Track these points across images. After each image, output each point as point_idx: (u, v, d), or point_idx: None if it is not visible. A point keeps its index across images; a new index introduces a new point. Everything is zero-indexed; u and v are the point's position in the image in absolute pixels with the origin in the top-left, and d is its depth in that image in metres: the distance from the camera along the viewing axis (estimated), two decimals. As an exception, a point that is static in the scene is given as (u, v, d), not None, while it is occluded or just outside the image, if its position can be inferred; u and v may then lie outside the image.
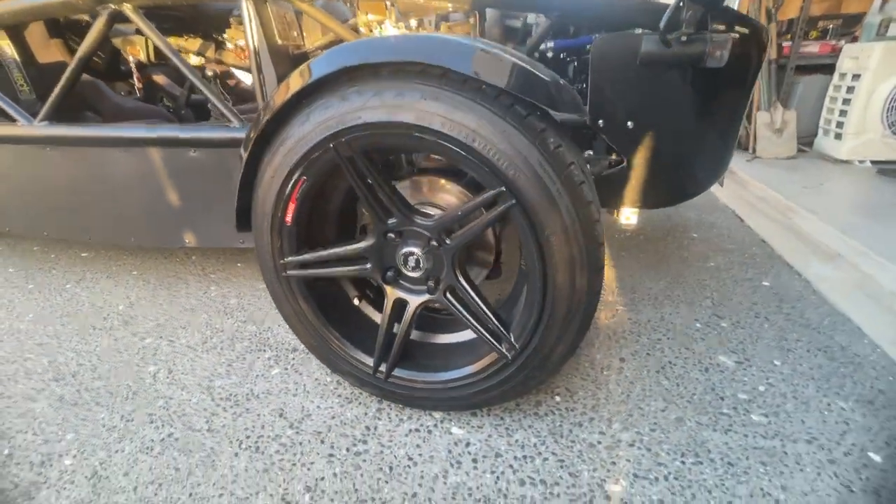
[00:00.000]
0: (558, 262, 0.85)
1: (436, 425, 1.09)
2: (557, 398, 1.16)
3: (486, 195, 0.85)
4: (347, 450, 1.03)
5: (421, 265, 0.99)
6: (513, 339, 0.95)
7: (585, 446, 1.02)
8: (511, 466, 0.98)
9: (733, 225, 2.24)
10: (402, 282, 1.06)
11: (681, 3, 1.06)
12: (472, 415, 1.12)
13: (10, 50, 1.94)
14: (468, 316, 0.99)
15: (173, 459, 1.03)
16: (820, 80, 3.26)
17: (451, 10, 1.19)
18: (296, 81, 0.89)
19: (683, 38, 1.11)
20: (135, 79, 1.99)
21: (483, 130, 0.79)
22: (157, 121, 2.03)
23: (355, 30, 1.38)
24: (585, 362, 1.28)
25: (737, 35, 1.15)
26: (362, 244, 1.02)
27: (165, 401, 1.21)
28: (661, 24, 1.05)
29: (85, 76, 2.24)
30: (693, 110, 1.27)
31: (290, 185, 0.95)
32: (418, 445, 1.04)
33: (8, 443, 1.09)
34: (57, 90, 1.43)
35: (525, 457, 1.00)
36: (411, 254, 0.99)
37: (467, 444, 1.03)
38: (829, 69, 3.20)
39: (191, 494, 0.94)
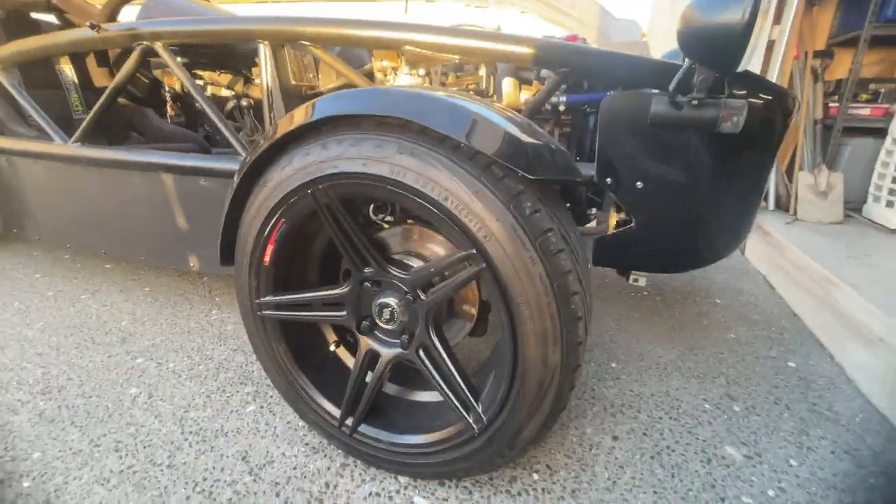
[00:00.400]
0: (528, 334, 0.78)
1: (398, 491, 1.01)
2: (535, 476, 1.06)
3: (456, 256, 0.81)
4: (300, 508, 0.97)
5: (395, 318, 0.95)
6: (480, 411, 0.88)
7: (556, 539, 0.91)
8: (469, 552, 0.88)
9: (763, 293, 2.08)
10: (376, 333, 1.02)
11: (693, 66, 1.01)
12: (440, 484, 1.03)
13: (70, 73, 2.11)
14: (438, 378, 0.92)
15: (125, 495, 0.99)
16: (870, 144, 3.07)
17: (457, 62, 1.20)
18: (284, 125, 0.90)
19: (695, 102, 1.05)
20: (168, 107, 2.11)
21: (456, 189, 0.76)
22: (190, 145, 2.13)
23: (370, 75, 1.40)
24: (574, 437, 1.18)
25: (756, 101, 1.08)
26: (337, 290, 0.99)
27: (136, 428, 1.19)
28: (671, 87, 1.00)
29: (132, 104, 2.41)
30: (709, 174, 1.19)
31: (269, 226, 0.95)
32: None
33: (-22, 456, 1.09)
34: (90, 115, 1.53)
35: (487, 543, 0.90)
36: (386, 305, 0.95)
37: (427, 519, 0.95)
38: (880, 133, 3.02)
39: (131, 538, 0.90)
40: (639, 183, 1.25)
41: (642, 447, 1.15)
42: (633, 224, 1.29)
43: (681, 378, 1.43)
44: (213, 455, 1.11)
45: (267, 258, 0.98)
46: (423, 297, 0.90)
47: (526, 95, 1.51)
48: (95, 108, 1.51)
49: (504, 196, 0.75)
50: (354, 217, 1.02)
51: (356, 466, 1.08)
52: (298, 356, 1.08)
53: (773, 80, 1.21)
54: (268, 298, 1.02)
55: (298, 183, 0.87)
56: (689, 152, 1.17)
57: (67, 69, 2.14)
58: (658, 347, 1.60)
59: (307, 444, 1.15)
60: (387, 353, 1.00)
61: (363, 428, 1.02)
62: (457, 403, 0.90)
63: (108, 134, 2.35)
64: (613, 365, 1.50)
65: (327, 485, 1.03)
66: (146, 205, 1.53)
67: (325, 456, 1.11)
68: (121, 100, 2.45)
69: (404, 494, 1.01)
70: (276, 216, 0.93)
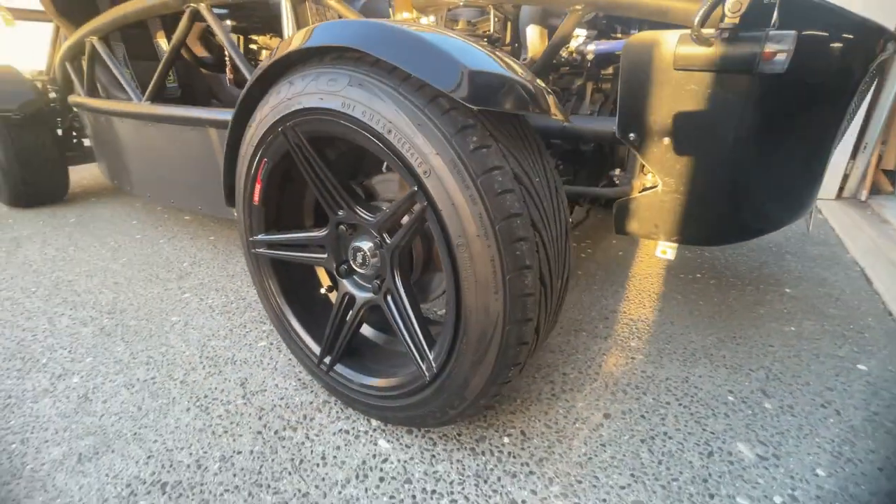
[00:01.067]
0: (469, 279, 0.74)
1: (366, 432, 1.04)
2: (506, 439, 1.01)
3: (404, 195, 0.78)
4: (275, 432, 1.04)
5: (367, 262, 0.96)
6: (431, 359, 0.86)
7: (505, 501, 0.87)
8: (414, 497, 0.88)
9: (853, 287, 1.74)
10: (354, 277, 1.04)
11: (723, -10, 0.85)
12: (409, 432, 1.04)
13: (164, 45, 2.38)
14: (399, 324, 0.92)
15: (142, 400, 1.14)
16: None
17: (461, 5, 1.13)
18: (263, 64, 0.93)
19: (725, 35, 0.89)
20: (227, 71, 2.30)
21: (399, 122, 0.72)
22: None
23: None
24: (561, 408, 1.10)
25: (818, 34, 0.88)
26: (317, 233, 1.02)
27: (167, 348, 1.36)
28: (696, 18, 0.85)
29: (211, 73, 2.66)
30: (753, 130, 1.02)
31: (255, 165, 1.00)
32: (338, 447, 1.00)
33: (49, 355, 1.33)
34: (154, 77, 1.72)
35: (434, 492, 0.89)
36: (359, 249, 0.96)
37: (385, 460, 0.96)
38: None
39: (135, 434, 1.04)
40: (665, 139, 1.10)
41: (635, 429, 1.04)
42: (658, 186, 1.15)
43: (708, 366, 1.26)
44: (219, 378, 1.22)
45: (256, 198, 1.04)
46: (388, 240, 0.89)
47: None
48: (158, 69, 1.69)
49: (448, 129, 0.70)
50: (348, 159, 1.03)
51: (336, 405, 1.12)
52: (288, 294, 1.14)
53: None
54: (259, 237, 1.08)
55: (272, 121, 0.90)
56: (725, 102, 1.00)
57: (162, 42, 2.42)
58: (693, 331, 1.43)
59: (299, 379, 1.22)
60: (361, 296, 1.01)
61: (339, 367, 1.06)
62: (413, 350, 0.89)
63: (192, 100, 2.63)
64: (633, 343, 1.36)
65: (305, 416, 1.09)
66: (200, 157, 1.70)
67: (312, 392, 1.17)
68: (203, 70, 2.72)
69: (370, 436, 1.03)
70: (259, 155, 0.97)
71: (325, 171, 0.90)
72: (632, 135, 1.13)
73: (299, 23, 1.34)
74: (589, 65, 1.36)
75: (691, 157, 1.09)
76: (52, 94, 2.83)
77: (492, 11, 1.13)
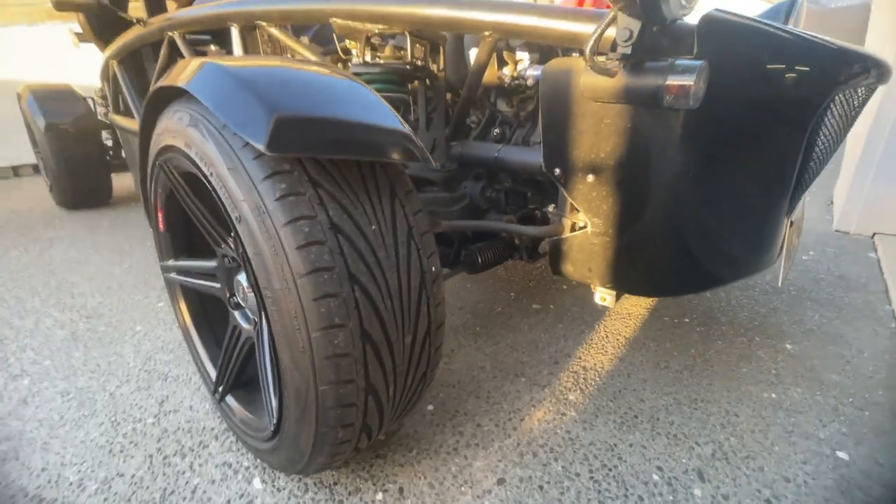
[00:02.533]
0: (278, 332, 0.69)
1: (247, 468, 1.02)
2: (380, 495, 0.95)
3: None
4: (164, 458, 1.05)
5: (247, 297, 0.94)
6: (274, 408, 0.82)
7: (344, 569, 0.80)
8: (255, 550, 0.84)
9: (876, 349, 1.46)
10: (242, 310, 1.02)
11: (614, 15, 0.74)
12: (286, 474, 1.00)
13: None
14: (261, 367, 0.89)
15: (68, 409, 1.21)
16: None
17: (377, 32, 1.08)
18: (148, 93, 0.94)
19: (614, 66, 0.78)
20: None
21: (218, 165, 0.70)
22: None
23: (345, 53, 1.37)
24: (455, 466, 1.01)
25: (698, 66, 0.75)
26: (208, 263, 1.02)
27: (116, 357, 1.43)
28: (587, 44, 0.75)
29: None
30: (683, 169, 0.89)
31: (154, 194, 1.02)
32: (213, 482, 0.98)
33: (19, 355, 1.45)
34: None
35: (277, 546, 0.85)
36: (240, 284, 0.94)
37: (249, 502, 0.93)
38: None
39: (44, 444, 1.09)
40: (589, 175, 0.99)
41: (523, 503, 0.93)
42: (587, 227, 1.04)
43: (647, 433, 1.10)
44: (144, 394, 1.27)
45: (161, 225, 1.06)
46: (255, 278, 0.87)
47: (509, 69, 1.31)
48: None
49: (256, 175, 0.66)
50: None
51: (232, 435, 1.12)
52: (196, 319, 1.15)
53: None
54: (168, 263, 1.11)
55: (154, 154, 0.91)
56: (645, 137, 0.88)
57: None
58: (648, 388, 1.26)
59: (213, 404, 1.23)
60: (246, 329, 1.00)
61: (229, 398, 1.05)
62: (265, 396, 0.85)
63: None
64: (571, 396, 1.23)
65: (200, 444, 1.09)
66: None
67: (218, 418, 1.17)
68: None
69: (249, 473, 1.01)
70: (154, 185, 0.99)
71: (199, 206, 0.90)
72: (557, 170, 1.03)
73: (248, 46, 1.37)
74: (531, 91, 1.25)
75: (618, 196, 0.97)
76: (101, 110, 3.16)
77: (408, 38, 1.07)
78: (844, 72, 0.83)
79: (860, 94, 0.96)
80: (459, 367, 1.37)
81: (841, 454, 1.04)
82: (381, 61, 1.12)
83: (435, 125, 1.31)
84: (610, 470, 1.00)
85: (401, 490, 0.96)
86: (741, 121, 0.85)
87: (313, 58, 1.30)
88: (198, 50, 1.82)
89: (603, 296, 1.13)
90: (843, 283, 1.91)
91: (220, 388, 1.06)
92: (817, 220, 2.75)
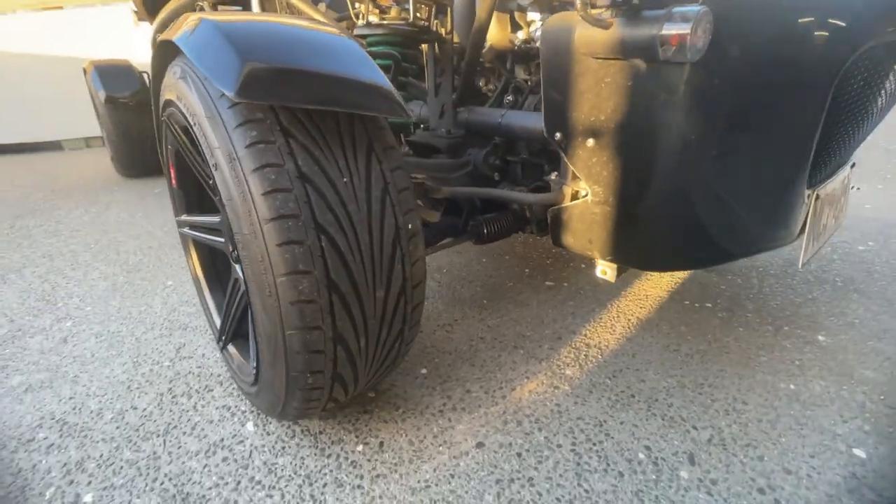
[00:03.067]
0: (249, 278, 0.72)
1: (243, 412, 1.08)
2: (361, 447, 0.98)
3: (217, 186, 0.79)
4: (173, 396, 1.14)
5: (244, 250, 0.98)
6: (255, 353, 0.86)
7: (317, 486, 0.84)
8: (238, 482, 0.90)
9: (925, 346, 1.30)
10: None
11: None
12: (276, 420, 1.06)
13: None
14: (249, 317, 0.93)
15: (100, 349, 1.34)
16: None
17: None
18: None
19: (607, 15, 0.74)
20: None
21: (199, 115, 0.73)
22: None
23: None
24: (438, 427, 1.03)
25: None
26: (213, 218, 1.07)
27: (146, 307, 1.56)
28: None
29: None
30: (687, 132, 0.84)
31: (165, 150, 1.08)
32: (211, 421, 1.06)
33: (66, 301, 1.61)
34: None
35: (259, 483, 0.90)
36: (239, 237, 0.99)
37: (240, 442, 1.00)
38: None
39: (75, 377, 1.22)
40: (590, 140, 0.95)
41: (499, 467, 0.92)
42: (588, 195, 1.00)
43: (642, 413, 1.06)
44: (166, 340, 1.37)
45: (174, 181, 1.13)
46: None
47: (523, 32, 1.26)
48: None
49: (230, 124, 0.68)
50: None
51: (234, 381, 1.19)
52: (207, 272, 1.22)
53: None
54: (182, 217, 1.18)
55: (160, 110, 0.96)
56: (646, 96, 0.83)
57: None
58: (652, 370, 1.21)
59: (224, 352, 1.31)
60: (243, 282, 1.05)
61: (231, 347, 1.11)
62: (251, 344, 0.90)
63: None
64: (568, 371, 1.20)
65: (206, 387, 1.17)
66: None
67: (224, 366, 1.25)
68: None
69: (243, 416, 1.07)
70: (164, 140, 1.05)
71: (198, 160, 0.94)
72: (557, 134, 0.99)
73: (266, 9, 1.40)
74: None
75: (619, 162, 0.92)
76: (155, 83, 3.36)
77: (411, 1, 1.05)
78: (874, 24, 0.73)
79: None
80: (460, 336, 1.37)
81: (858, 451, 0.95)
82: (386, 23, 1.11)
83: (443, 90, 1.29)
84: (594, 444, 0.98)
85: (381, 444, 0.98)
86: (752, 78, 0.77)
87: (329, 21, 1.31)
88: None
89: (604, 269, 1.08)
90: (903, 276, 1.72)
91: (223, 338, 1.12)
92: (888, 207, 2.47)
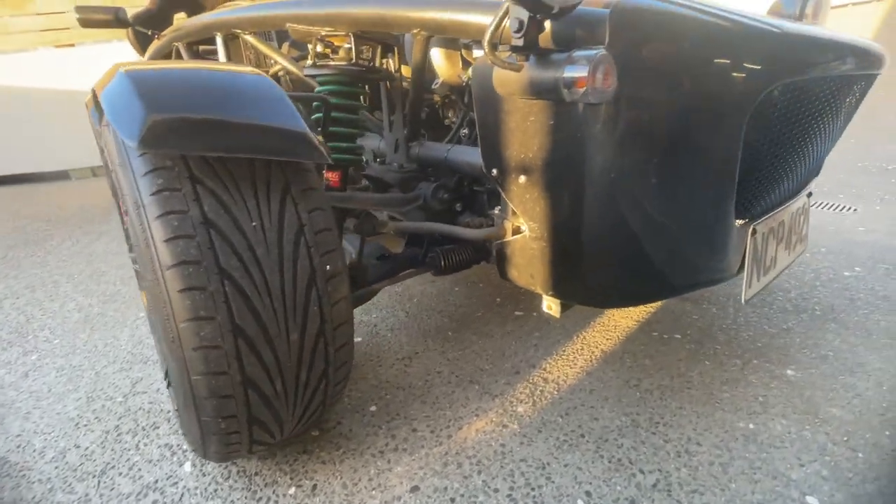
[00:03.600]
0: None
1: (184, 452, 1.07)
2: (293, 489, 0.96)
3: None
4: (119, 435, 1.13)
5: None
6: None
7: (233, 559, 0.82)
8: None
9: (899, 381, 1.25)
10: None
11: (507, 6, 0.71)
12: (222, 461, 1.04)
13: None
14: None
15: (58, 384, 1.34)
16: None
17: (324, 35, 1.09)
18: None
19: (507, 57, 0.74)
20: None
21: (114, 161, 0.74)
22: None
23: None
24: (375, 469, 1.00)
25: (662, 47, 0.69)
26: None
27: (112, 340, 1.57)
28: (486, 35, 0.73)
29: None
30: (614, 166, 0.83)
31: (113, 190, 1.10)
32: (150, 461, 1.05)
33: (37, 333, 1.63)
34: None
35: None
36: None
37: (173, 484, 0.98)
38: None
39: (27, 413, 1.22)
40: (521, 176, 0.95)
41: (431, 513, 0.89)
42: (526, 231, 1.00)
43: (589, 455, 1.02)
44: (123, 375, 1.37)
45: (123, 221, 1.15)
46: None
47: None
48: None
49: (138, 171, 0.70)
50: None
51: (183, 418, 1.18)
52: (159, 308, 1.23)
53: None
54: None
55: (101, 154, 0.99)
56: (571, 132, 0.83)
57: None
58: (608, 407, 1.17)
59: (178, 387, 1.30)
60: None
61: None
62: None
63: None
64: (519, 409, 1.17)
65: (153, 424, 1.16)
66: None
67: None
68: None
69: (183, 456, 1.06)
70: (109, 181, 1.08)
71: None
72: (494, 171, 0.99)
73: (230, 57, 1.45)
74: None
75: (548, 198, 0.92)
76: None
77: (352, 39, 1.08)
78: (786, 62, 0.72)
79: (849, 82, 0.84)
80: (417, 370, 1.35)
81: (811, 499, 0.90)
82: (333, 63, 1.14)
83: (395, 126, 1.30)
84: (533, 489, 0.94)
85: (314, 487, 0.96)
86: (666, 117, 0.77)
87: (286, 62, 1.35)
88: (206, 58, 1.96)
89: (549, 304, 1.07)
90: (886, 304, 1.66)
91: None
92: (883, 229, 2.41)
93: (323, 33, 1.10)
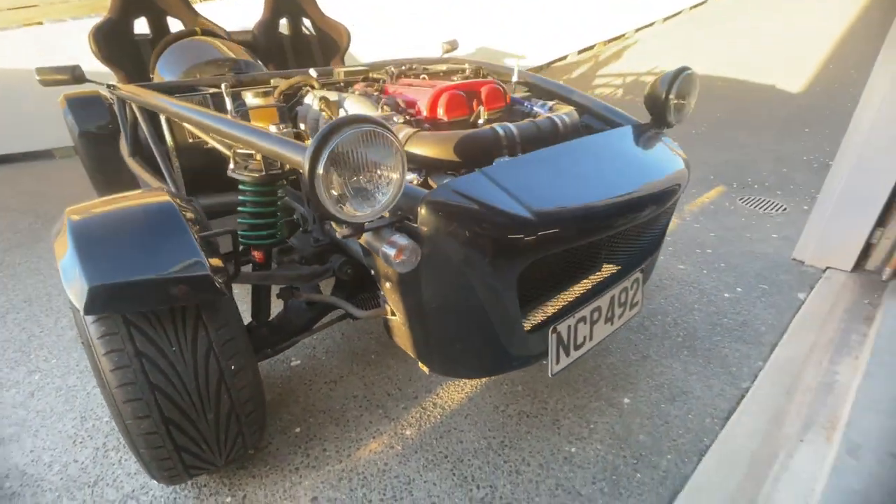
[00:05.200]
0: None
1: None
2: (229, 498, 1.35)
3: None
4: (105, 451, 1.52)
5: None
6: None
7: None
8: None
9: (710, 408, 1.62)
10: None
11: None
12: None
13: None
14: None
15: (59, 404, 1.72)
16: None
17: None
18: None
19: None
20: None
21: (75, 308, 1.05)
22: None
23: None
24: (289, 483, 1.39)
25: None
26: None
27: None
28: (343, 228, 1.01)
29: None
30: (436, 291, 1.16)
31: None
32: (129, 474, 1.44)
33: (37, 352, 1.99)
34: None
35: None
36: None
37: (137, 499, 1.38)
38: None
39: (36, 431, 1.60)
40: (386, 282, 1.25)
41: (322, 518, 1.29)
42: (396, 315, 1.31)
43: (447, 472, 1.41)
44: (109, 395, 1.74)
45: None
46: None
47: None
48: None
49: (88, 319, 1.01)
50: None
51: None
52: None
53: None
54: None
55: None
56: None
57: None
58: (473, 432, 1.55)
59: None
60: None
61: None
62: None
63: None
64: (407, 432, 1.55)
65: (131, 442, 1.55)
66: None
67: (149, 422, 1.62)
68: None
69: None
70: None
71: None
72: (372, 270, 1.29)
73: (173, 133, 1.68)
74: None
75: (403, 300, 1.22)
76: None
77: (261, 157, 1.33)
78: (540, 239, 1.01)
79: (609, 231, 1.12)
80: (338, 394, 1.73)
81: (586, 512, 1.30)
82: (247, 173, 1.38)
83: (311, 204, 1.57)
84: (396, 501, 1.34)
85: (244, 497, 1.36)
86: (460, 264, 1.06)
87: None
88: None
89: (421, 364, 1.41)
90: (740, 331, 2.00)
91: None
92: (793, 238, 2.64)
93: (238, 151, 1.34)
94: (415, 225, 1.03)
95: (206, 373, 1.09)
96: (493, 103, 1.57)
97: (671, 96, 1.59)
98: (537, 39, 7.72)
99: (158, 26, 3.00)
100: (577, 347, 1.34)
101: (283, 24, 3.37)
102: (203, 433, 1.12)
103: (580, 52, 8.37)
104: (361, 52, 5.74)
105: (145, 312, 1.03)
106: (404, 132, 1.31)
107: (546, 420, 1.59)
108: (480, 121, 1.49)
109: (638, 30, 9.05)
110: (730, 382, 1.73)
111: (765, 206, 3.28)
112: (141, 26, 2.91)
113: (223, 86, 1.43)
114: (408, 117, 1.45)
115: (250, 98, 1.54)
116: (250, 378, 1.17)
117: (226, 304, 1.14)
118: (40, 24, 4.60)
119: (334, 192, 0.89)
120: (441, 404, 1.66)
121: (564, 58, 8.29)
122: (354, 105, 1.54)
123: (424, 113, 1.48)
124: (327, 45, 3.63)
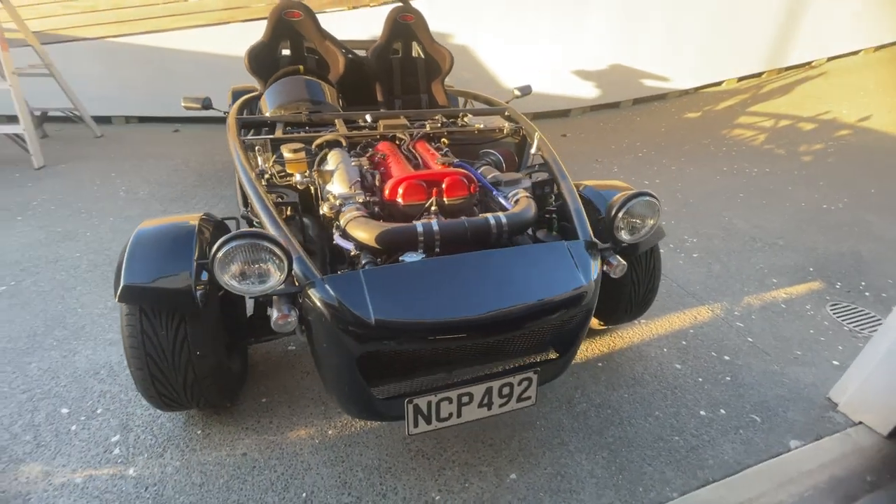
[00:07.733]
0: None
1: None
2: (199, 431, 1.97)
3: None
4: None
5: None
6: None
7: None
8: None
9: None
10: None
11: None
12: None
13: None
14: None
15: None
16: None
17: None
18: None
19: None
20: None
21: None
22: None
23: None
24: (246, 439, 1.96)
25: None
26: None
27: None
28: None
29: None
30: (320, 348, 1.57)
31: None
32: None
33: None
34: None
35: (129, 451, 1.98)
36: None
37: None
38: None
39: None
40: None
41: (238, 468, 1.83)
42: None
43: (336, 466, 1.82)
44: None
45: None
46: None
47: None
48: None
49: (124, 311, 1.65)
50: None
51: (183, 372, 2.29)
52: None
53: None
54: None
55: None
56: (303, 326, 1.56)
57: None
58: (376, 449, 1.92)
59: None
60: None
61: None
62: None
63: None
64: (329, 432, 1.99)
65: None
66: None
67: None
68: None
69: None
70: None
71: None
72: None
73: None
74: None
75: (314, 349, 1.64)
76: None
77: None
78: (374, 340, 1.32)
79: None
80: (304, 384, 2.23)
81: None
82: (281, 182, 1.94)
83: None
84: (291, 479, 1.80)
85: (208, 434, 1.96)
86: (325, 339, 1.43)
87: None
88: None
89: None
90: (682, 455, 1.94)
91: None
92: (834, 375, 2.32)
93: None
94: (301, 301, 1.42)
95: (179, 352, 1.66)
96: (453, 192, 1.83)
97: (619, 215, 1.67)
98: (691, 58, 6.97)
99: (297, 49, 3.77)
100: (440, 420, 1.60)
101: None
102: (175, 388, 1.72)
103: (740, 79, 7.30)
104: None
105: (153, 306, 1.64)
106: (348, 216, 1.68)
107: (434, 465, 1.87)
108: (433, 209, 1.77)
109: (832, 58, 7.49)
110: (624, 501, 1.77)
111: (858, 322, 2.73)
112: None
113: (257, 148, 1.97)
114: (368, 197, 1.81)
115: (286, 153, 2.07)
116: (211, 362, 1.73)
117: (204, 311, 1.69)
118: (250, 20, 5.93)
119: (234, 270, 1.34)
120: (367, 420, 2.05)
121: (719, 84, 7.37)
122: (336, 180, 1.93)
123: (387, 193, 1.82)
124: (431, 68, 4.06)
